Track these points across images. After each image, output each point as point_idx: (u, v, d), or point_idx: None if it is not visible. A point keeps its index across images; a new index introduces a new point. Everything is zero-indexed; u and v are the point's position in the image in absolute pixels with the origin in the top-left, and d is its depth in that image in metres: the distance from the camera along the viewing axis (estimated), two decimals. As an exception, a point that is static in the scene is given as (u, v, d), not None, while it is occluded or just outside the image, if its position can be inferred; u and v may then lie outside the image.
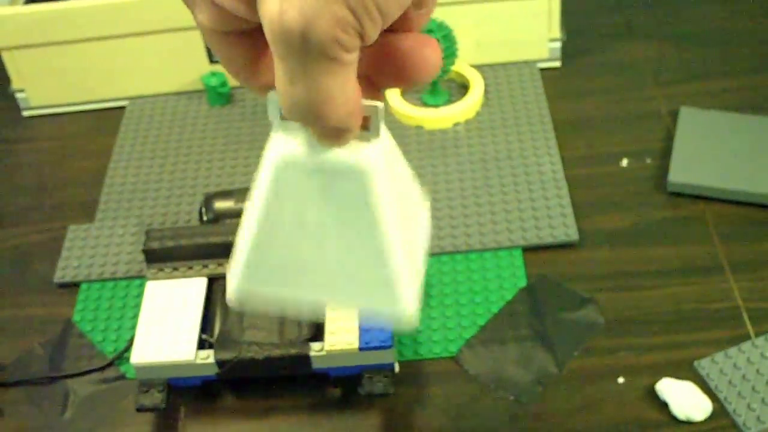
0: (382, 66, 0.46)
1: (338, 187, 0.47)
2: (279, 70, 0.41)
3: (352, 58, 0.41)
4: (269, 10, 0.39)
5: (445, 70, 1.16)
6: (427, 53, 0.45)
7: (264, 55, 0.46)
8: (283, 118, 0.46)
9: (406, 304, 0.51)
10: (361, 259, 0.50)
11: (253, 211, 0.49)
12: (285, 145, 0.47)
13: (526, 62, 1.25)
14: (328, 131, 0.44)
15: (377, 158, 0.46)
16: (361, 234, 0.48)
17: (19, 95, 1.28)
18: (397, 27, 0.44)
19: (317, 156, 0.46)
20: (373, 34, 0.40)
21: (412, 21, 0.45)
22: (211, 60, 1.24)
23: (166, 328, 0.89)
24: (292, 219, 0.49)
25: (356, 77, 0.43)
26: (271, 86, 0.45)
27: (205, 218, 0.98)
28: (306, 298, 0.52)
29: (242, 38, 0.45)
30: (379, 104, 0.46)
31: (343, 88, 0.42)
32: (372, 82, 0.47)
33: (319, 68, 0.40)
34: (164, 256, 0.94)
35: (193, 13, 0.44)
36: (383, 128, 0.47)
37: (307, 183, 0.47)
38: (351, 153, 0.46)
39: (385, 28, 0.41)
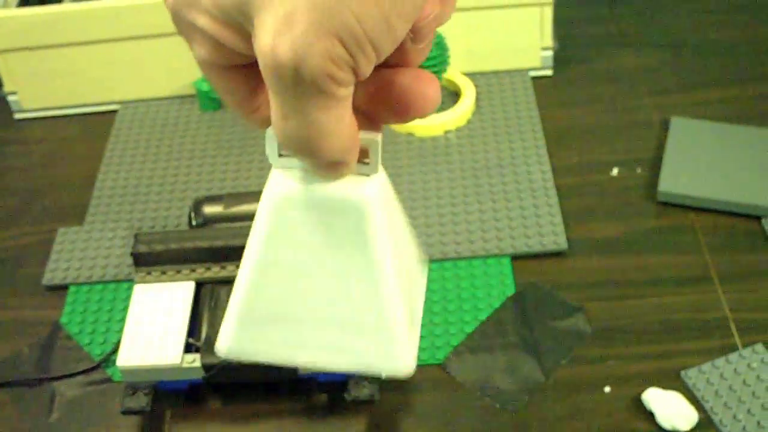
0: (380, 101, 0.45)
1: (336, 224, 0.46)
2: (274, 104, 0.41)
3: (347, 92, 0.41)
4: (262, 45, 0.39)
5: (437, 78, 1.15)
6: (425, 90, 0.45)
7: (263, 89, 0.46)
8: (280, 155, 0.46)
9: (403, 358, 0.49)
10: (357, 302, 0.48)
11: (250, 252, 0.48)
12: (283, 182, 0.46)
13: (517, 70, 1.26)
14: (325, 165, 0.44)
15: (375, 193, 0.46)
16: (358, 272, 0.47)
17: (11, 98, 1.28)
18: (395, 61, 0.43)
19: (315, 191, 0.46)
20: (366, 69, 0.40)
21: (409, 56, 0.44)
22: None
23: (153, 332, 0.89)
24: (289, 260, 0.48)
25: (353, 111, 0.43)
26: (270, 120, 0.45)
27: (194, 223, 0.98)
28: (300, 353, 0.50)
29: (240, 72, 0.45)
30: (378, 137, 0.45)
31: (338, 122, 0.41)
32: (370, 117, 0.47)
33: (313, 103, 0.40)
34: (152, 259, 0.94)
35: (190, 47, 0.44)
36: (382, 171, 0.46)
37: (304, 220, 0.46)
38: (348, 187, 0.45)
39: (379, 62, 0.41)
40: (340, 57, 0.39)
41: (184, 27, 0.43)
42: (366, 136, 0.45)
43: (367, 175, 0.46)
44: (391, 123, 0.46)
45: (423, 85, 0.45)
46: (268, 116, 0.45)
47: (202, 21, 0.42)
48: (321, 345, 0.50)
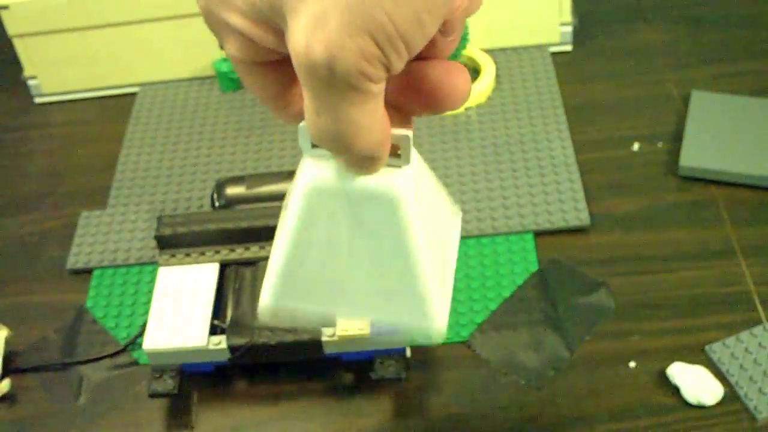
0: (412, 94, 0.46)
1: (369, 213, 0.47)
2: (307, 100, 0.42)
3: (379, 88, 0.41)
4: (296, 44, 0.40)
5: (456, 55, 1.15)
6: (456, 82, 0.45)
7: (294, 85, 0.47)
8: (313, 146, 0.46)
9: (436, 325, 0.51)
10: (391, 281, 0.50)
11: (284, 233, 0.49)
12: (315, 172, 0.47)
13: (537, 46, 1.25)
14: (357, 160, 0.45)
15: (407, 185, 0.47)
16: (391, 257, 0.49)
17: (31, 82, 1.28)
18: (425, 54, 0.44)
19: (347, 183, 0.47)
20: (398, 65, 0.41)
21: (439, 48, 0.45)
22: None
23: (179, 314, 0.89)
24: (322, 242, 0.49)
25: (384, 106, 0.43)
26: (301, 115, 0.46)
27: (216, 204, 0.98)
28: (336, 316, 0.53)
29: (272, 68, 0.46)
30: (409, 133, 0.46)
31: (371, 118, 0.42)
32: (400, 109, 0.47)
33: (346, 100, 0.41)
34: (176, 242, 0.94)
35: (222, 44, 0.45)
36: (413, 151, 0.47)
37: (337, 209, 0.48)
38: (381, 180, 0.46)
39: (411, 58, 0.41)
40: (373, 54, 0.39)
41: (216, 25, 0.44)
42: (397, 133, 0.45)
43: (399, 166, 0.46)
44: (423, 115, 0.47)
45: (454, 78, 0.45)
46: (300, 111, 0.45)
47: (235, 19, 0.42)
48: (356, 310, 0.52)
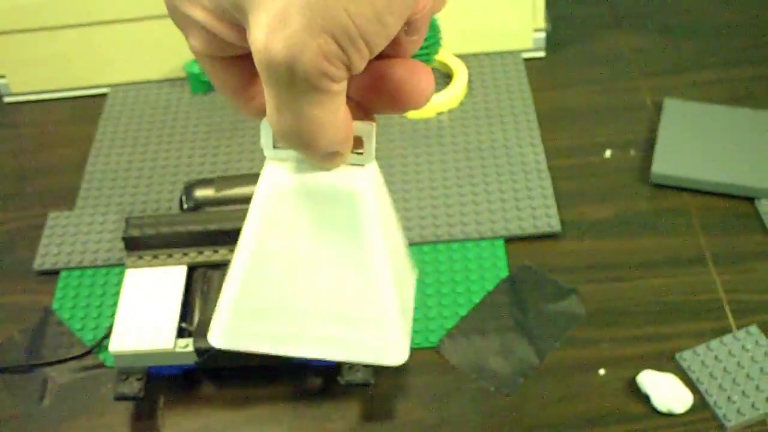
0: (375, 93, 0.46)
1: (330, 214, 0.47)
2: (268, 98, 0.42)
3: (340, 87, 0.41)
4: (257, 41, 0.39)
5: (428, 60, 1.15)
6: (420, 82, 0.45)
7: (257, 80, 0.46)
8: (275, 146, 0.46)
9: (397, 347, 0.50)
10: (351, 291, 0.48)
11: (245, 243, 0.48)
12: (277, 174, 0.46)
13: (510, 52, 1.25)
14: (319, 156, 0.44)
15: (368, 182, 0.46)
16: (352, 261, 0.48)
17: (0, 81, 1.27)
18: (389, 53, 0.43)
19: (308, 182, 0.46)
20: (360, 65, 0.40)
21: (403, 47, 0.44)
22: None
23: (146, 317, 0.88)
24: (283, 251, 0.48)
25: (347, 101, 0.43)
26: (264, 111, 0.45)
27: (185, 206, 0.98)
28: (293, 344, 0.50)
29: (235, 63, 0.45)
30: (372, 127, 0.45)
31: (332, 116, 0.42)
32: (364, 107, 0.47)
33: (307, 98, 0.40)
34: (144, 243, 0.93)
35: (186, 38, 0.44)
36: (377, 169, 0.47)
37: (299, 211, 0.47)
38: (342, 177, 0.46)
39: (372, 57, 0.41)
40: (333, 54, 0.39)
41: (179, 19, 0.44)
42: (360, 125, 0.45)
43: (361, 165, 0.46)
44: (386, 113, 0.46)
45: (417, 78, 0.45)
46: (263, 106, 0.45)
47: (198, 14, 0.42)
48: (315, 336, 0.50)
